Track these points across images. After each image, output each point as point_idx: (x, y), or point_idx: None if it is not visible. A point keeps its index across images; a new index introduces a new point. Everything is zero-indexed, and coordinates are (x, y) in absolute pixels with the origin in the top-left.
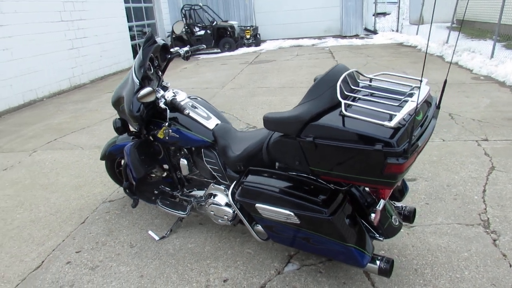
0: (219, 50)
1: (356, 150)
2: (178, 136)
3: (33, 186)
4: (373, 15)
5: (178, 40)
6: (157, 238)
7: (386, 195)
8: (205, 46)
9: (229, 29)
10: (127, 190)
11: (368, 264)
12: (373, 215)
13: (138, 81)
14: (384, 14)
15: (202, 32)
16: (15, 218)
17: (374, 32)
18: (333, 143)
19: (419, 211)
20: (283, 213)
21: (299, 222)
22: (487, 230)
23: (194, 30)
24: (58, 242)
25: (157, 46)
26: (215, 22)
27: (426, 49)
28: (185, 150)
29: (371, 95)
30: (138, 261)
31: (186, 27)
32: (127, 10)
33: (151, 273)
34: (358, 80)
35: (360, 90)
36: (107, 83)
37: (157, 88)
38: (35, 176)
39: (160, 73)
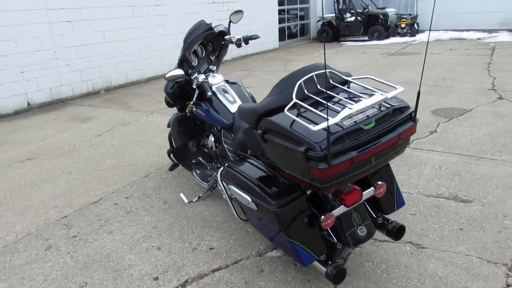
0: (366, 38)
1: (290, 149)
2: (203, 114)
3: (132, 141)
4: None
5: (328, 25)
6: (186, 201)
7: (348, 201)
8: (259, 36)
9: (381, 16)
10: (170, 155)
11: (319, 265)
12: (322, 217)
13: (177, 63)
14: None
15: (352, 19)
16: (104, 163)
17: None
18: (276, 139)
19: (448, 235)
20: (245, 198)
21: (256, 209)
22: (509, 273)
23: (345, 16)
24: (119, 187)
25: (211, 33)
26: (368, 9)
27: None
28: (214, 128)
29: (330, 98)
30: (161, 215)
31: (337, 13)
32: None
33: (163, 227)
34: (332, 82)
35: (324, 92)
36: (247, 61)
37: (193, 71)
38: (138, 133)
39: (213, 57)
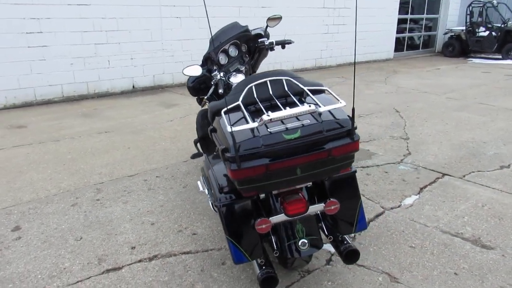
0: (500, 56)
1: (219, 148)
2: None
3: (192, 128)
4: None
5: (456, 39)
6: (200, 189)
7: (289, 211)
8: (293, 41)
9: None
10: (197, 144)
11: (255, 267)
12: (257, 221)
13: (202, 59)
14: None
15: (486, 34)
16: (159, 145)
17: None
18: (215, 138)
19: (436, 277)
20: (206, 190)
21: (211, 203)
22: None
23: (477, 30)
24: (157, 166)
25: (245, 35)
26: (506, 24)
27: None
28: None
29: (273, 105)
30: (173, 197)
31: (468, 26)
32: (404, 2)
33: (168, 207)
34: (287, 90)
35: (274, 99)
36: (351, 68)
37: (216, 68)
38: None
39: (246, 58)
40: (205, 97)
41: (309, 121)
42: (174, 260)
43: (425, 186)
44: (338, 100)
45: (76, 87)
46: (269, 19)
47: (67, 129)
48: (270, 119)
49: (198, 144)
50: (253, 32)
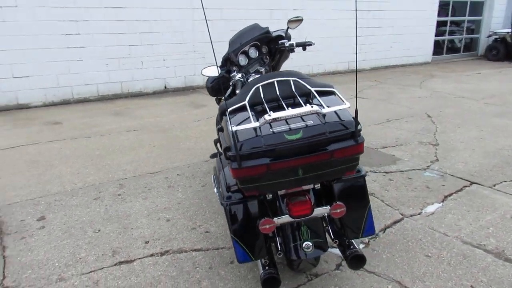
0: None
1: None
2: None
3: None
4: None
5: (501, 42)
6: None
7: (293, 212)
8: (313, 43)
9: None
10: (216, 144)
11: (259, 266)
12: (261, 221)
13: (221, 60)
14: None
15: None
16: (184, 144)
17: None
18: (222, 136)
19: None
20: (215, 189)
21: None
22: None
23: None
24: (179, 165)
25: (266, 36)
26: None
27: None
28: None
29: (280, 105)
30: (191, 195)
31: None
32: (444, 4)
33: (185, 204)
34: (294, 91)
35: (280, 100)
36: (385, 72)
37: (235, 69)
38: None
39: (267, 59)
40: (223, 98)
41: (312, 122)
42: (185, 257)
43: (450, 194)
44: (343, 102)
45: (110, 87)
46: (289, 21)
47: (99, 126)
48: (272, 119)
49: (218, 144)
50: (274, 34)
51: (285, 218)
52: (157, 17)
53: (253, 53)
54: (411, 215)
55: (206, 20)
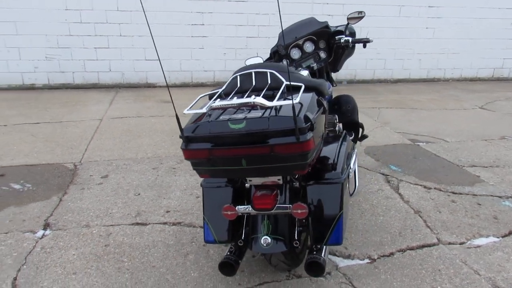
0: None
1: None
2: None
3: None
4: None
5: None
6: None
7: (255, 204)
8: (371, 40)
9: None
10: None
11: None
12: (224, 206)
13: (270, 52)
14: None
15: None
16: None
17: None
18: None
19: None
20: None
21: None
22: None
23: None
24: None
25: (324, 31)
26: None
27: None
28: None
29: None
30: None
31: None
32: None
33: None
34: (269, 83)
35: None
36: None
37: (283, 62)
38: None
39: (324, 55)
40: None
41: (259, 114)
42: (189, 231)
43: None
44: (293, 98)
45: (226, 74)
46: (349, 17)
47: None
48: (215, 107)
49: None
50: (333, 29)
51: (245, 208)
52: (276, 11)
53: (309, 47)
54: (450, 243)
55: (280, 14)
